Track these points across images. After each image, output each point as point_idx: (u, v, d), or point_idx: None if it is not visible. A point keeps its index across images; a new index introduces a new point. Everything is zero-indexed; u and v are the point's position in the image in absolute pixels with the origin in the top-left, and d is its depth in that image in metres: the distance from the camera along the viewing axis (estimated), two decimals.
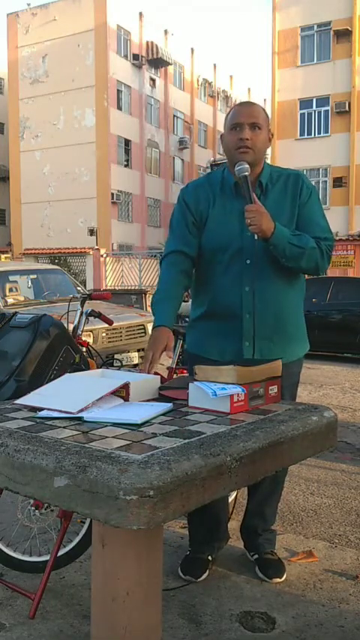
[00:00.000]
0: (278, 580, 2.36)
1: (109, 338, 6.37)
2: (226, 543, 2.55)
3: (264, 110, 2.19)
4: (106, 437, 1.43)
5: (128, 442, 1.39)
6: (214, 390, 1.65)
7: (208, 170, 25.19)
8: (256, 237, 2.05)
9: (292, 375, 2.28)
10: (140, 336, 6.88)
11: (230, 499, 3.02)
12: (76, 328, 3.20)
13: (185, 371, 3.11)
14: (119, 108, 28.13)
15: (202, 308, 2.27)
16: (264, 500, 2.46)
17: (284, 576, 2.38)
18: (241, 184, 2.06)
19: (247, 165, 2.06)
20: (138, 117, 29.15)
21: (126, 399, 1.72)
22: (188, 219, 2.22)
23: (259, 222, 1.98)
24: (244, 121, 2.10)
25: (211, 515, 2.41)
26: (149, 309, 11.93)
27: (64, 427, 1.51)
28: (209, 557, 2.44)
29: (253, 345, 2.17)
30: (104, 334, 6.25)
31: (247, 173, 2.04)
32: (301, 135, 23.56)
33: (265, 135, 2.14)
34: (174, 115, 32.42)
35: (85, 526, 2.36)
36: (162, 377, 1.96)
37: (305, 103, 23.49)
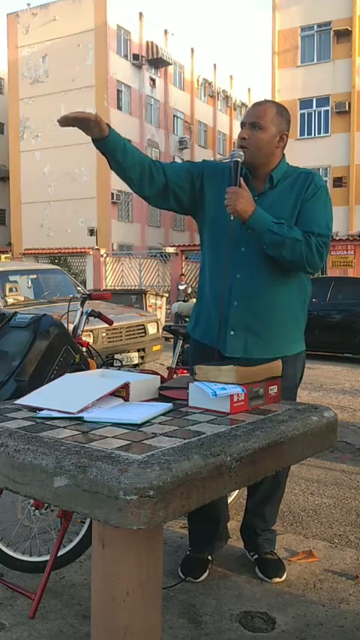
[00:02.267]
0: (278, 580, 2.36)
1: (109, 338, 6.37)
2: (226, 543, 2.55)
3: (279, 109, 2.18)
4: (106, 437, 1.43)
5: (128, 442, 1.39)
6: (214, 390, 1.65)
7: None
8: (232, 217, 2.06)
9: (287, 376, 2.11)
10: (140, 336, 6.88)
11: (231, 499, 3.02)
12: (76, 328, 3.19)
13: (185, 371, 3.11)
14: (119, 108, 28.12)
15: (201, 291, 2.32)
16: (264, 500, 2.46)
17: (284, 576, 2.38)
18: (231, 167, 2.09)
19: (242, 153, 2.11)
20: (138, 117, 29.14)
21: (126, 399, 1.72)
22: (193, 173, 2.23)
23: (234, 202, 2.02)
24: (246, 120, 2.16)
25: (210, 515, 2.41)
26: (149, 309, 11.94)
27: (64, 427, 1.51)
28: (209, 557, 2.44)
29: (241, 334, 2.17)
30: (104, 334, 6.25)
31: (239, 159, 2.09)
32: (301, 135, 23.55)
33: (268, 134, 2.14)
34: (174, 115, 32.40)
35: (85, 526, 2.36)
36: (162, 377, 1.96)
37: (305, 103, 23.48)
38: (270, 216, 2.07)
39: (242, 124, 2.17)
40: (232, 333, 2.18)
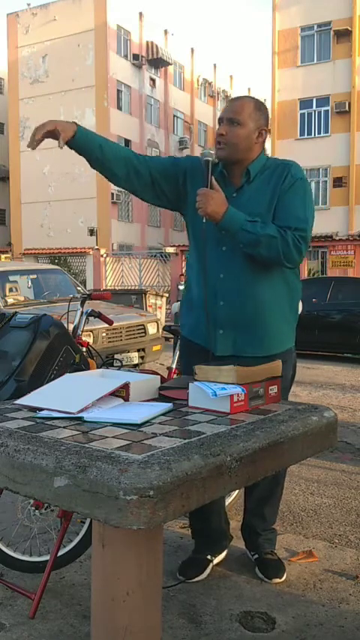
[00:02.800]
0: (278, 580, 2.36)
1: (109, 338, 6.37)
2: (229, 544, 2.54)
3: (257, 104, 2.15)
4: (106, 437, 1.43)
5: (128, 442, 1.39)
6: (214, 390, 1.65)
7: None
8: (204, 219, 2.05)
9: None
10: (140, 336, 6.88)
11: (231, 499, 3.02)
12: (76, 328, 3.19)
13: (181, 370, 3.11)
14: (119, 108, 28.12)
15: (189, 293, 2.31)
16: (263, 499, 2.46)
17: (284, 576, 2.38)
18: (203, 168, 2.08)
19: (213, 152, 2.10)
20: (138, 117, 29.14)
21: (126, 399, 1.72)
22: (177, 168, 2.22)
23: (205, 205, 2.01)
24: (223, 116, 2.14)
25: (207, 515, 2.41)
26: (149, 309, 11.94)
27: (64, 427, 1.51)
28: (209, 557, 2.44)
29: (230, 333, 2.16)
30: (104, 334, 6.25)
31: (209, 159, 2.08)
32: (301, 135, 23.55)
33: (246, 130, 2.11)
34: (174, 115, 32.40)
35: (85, 526, 2.36)
36: (162, 377, 1.96)
37: (305, 103, 23.48)
38: (243, 214, 2.04)
39: (220, 120, 2.15)
40: (221, 332, 2.18)
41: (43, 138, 2.00)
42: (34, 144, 1.99)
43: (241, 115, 2.10)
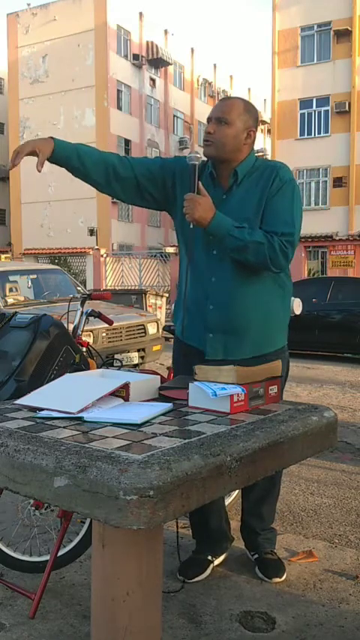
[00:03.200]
0: (278, 580, 2.36)
1: (109, 338, 6.37)
2: (230, 545, 2.54)
3: (246, 106, 2.15)
4: (106, 437, 1.43)
5: (128, 442, 1.39)
6: (214, 390, 1.65)
7: None
8: (191, 225, 2.05)
9: None
10: (140, 336, 6.88)
11: (231, 499, 3.02)
12: (76, 328, 3.19)
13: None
14: (119, 108, 28.12)
15: (181, 295, 2.29)
16: (260, 499, 2.46)
17: (284, 576, 2.38)
18: (190, 172, 2.07)
19: (199, 155, 2.09)
20: (138, 117, 29.13)
21: (126, 399, 1.72)
22: (165, 169, 2.21)
23: (192, 211, 2.00)
24: (212, 115, 2.14)
25: (210, 515, 2.41)
26: (149, 309, 11.94)
27: (64, 427, 1.51)
28: (209, 558, 2.44)
29: (220, 336, 2.16)
30: (104, 334, 6.25)
31: (195, 162, 2.07)
32: (301, 135, 23.54)
33: (234, 129, 2.11)
34: (174, 115, 32.40)
35: (85, 526, 2.36)
36: (162, 377, 1.96)
37: (305, 103, 23.47)
38: (230, 220, 2.04)
39: (209, 119, 2.15)
40: (210, 335, 2.18)
41: (25, 156, 2.02)
42: (14, 166, 2.02)
43: (230, 115, 2.10)
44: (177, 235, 2.30)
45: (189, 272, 2.22)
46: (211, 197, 2.06)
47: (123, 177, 2.16)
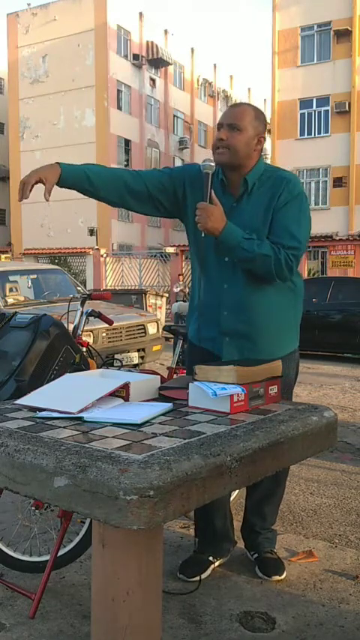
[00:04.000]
0: (278, 578, 2.36)
1: (109, 338, 6.37)
2: (233, 547, 2.53)
3: (256, 112, 2.16)
4: (106, 437, 1.43)
5: (128, 442, 1.39)
6: (214, 390, 1.65)
7: None
8: (202, 234, 2.06)
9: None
10: (140, 336, 6.88)
11: (231, 499, 3.02)
12: (76, 328, 3.19)
13: (185, 371, 3.11)
14: (119, 108, 28.12)
15: (194, 300, 2.33)
16: (263, 499, 2.46)
17: (284, 574, 2.38)
18: (204, 181, 2.07)
19: (213, 164, 2.09)
20: (138, 117, 29.13)
21: (126, 399, 1.72)
22: (175, 180, 2.22)
23: (204, 220, 2.01)
24: (224, 121, 2.13)
25: (211, 515, 2.41)
26: (149, 309, 11.94)
27: (64, 427, 1.51)
28: (211, 559, 2.44)
29: (235, 341, 2.19)
30: (104, 334, 6.25)
31: (210, 171, 2.07)
32: (301, 135, 23.55)
33: (246, 136, 2.12)
34: (174, 115, 32.40)
35: (85, 526, 2.36)
36: (162, 377, 1.96)
37: (305, 103, 23.47)
38: (240, 231, 2.06)
39: (219, 126, 2.15)
40: (227, 339, 2.22)
41: (35, 184, 1.99)
42: (23, 198, 1.99)
43: (242, 122, 2.11)
44: (189, 241, 2.33)
45: (202, 278, 2.25)
46: (222, 205, 2.08)
47: (136, 191, 2.17)
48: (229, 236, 2.04)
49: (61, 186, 2.06)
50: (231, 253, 2.09)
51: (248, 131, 2.12)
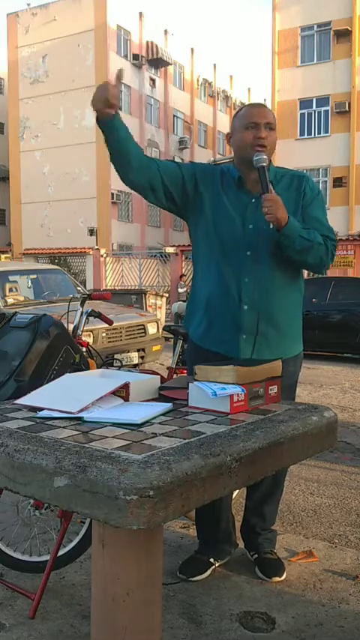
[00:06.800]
0: (278, 579, 2.36)
1: (109, 338, 6.38)
2: (234, 551, 2.53)
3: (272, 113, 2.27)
4: (106, 437, 1.43)
5: (128, 442, 1.39)
6: (214, 390, 1.65)
7: None
8: (271, 225, 2.06)
9: (288, 374, 2.18)
10: (140, 336, 6.89)
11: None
12: (76, 328, 3.20)
13: (185, 371, 3.11)
14: (119, 108, 28.10)
15: (202, 298, 2.27)
16: (263, 499, 2.46)
17: (284, 576, 2.38)
18: (259, 174, 2.10)
19: (266, 156, 2.12)
20: (138, 117, 29.11)
21: (126, 399, 1.72)
22: (185, 173, 2.22)
23: (275, 211, 2.03)
24: (261, 121, 2.18)
25: (211, 516, 2.41)
26: (149, 309, 11.94)
27: (64, 427, 1.51)
28: (211, 560, 2.43)
29: (252, 337, 2.17)
30: (104, 334, 6.26)
31: (264, 164, 2.10)
32: (301, 135, 23.56)
33: (275, 136, 2.23)
34: (174, 115, 32.39)
35: (85, 526, 2.36)
36: (162, 377, 1.96)
37: (305, 103, 23.49)
38: (297, 221, 2.10)
39: (254, 125, 2.17)
40: (244, 337, 2.18)
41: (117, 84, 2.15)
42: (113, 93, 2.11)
43: (275, 121, 2.22)
44: (196, 238, 2.29)
45: (214, 274, 2.21)
46: (239, 201, 2.15)
47: (152, 170, 2.16)
48: (293, 226, 2.07)
49: (105, 122, 2.09)
50: (292, 244, 2.09)
51: (276, 130, 2.24)
